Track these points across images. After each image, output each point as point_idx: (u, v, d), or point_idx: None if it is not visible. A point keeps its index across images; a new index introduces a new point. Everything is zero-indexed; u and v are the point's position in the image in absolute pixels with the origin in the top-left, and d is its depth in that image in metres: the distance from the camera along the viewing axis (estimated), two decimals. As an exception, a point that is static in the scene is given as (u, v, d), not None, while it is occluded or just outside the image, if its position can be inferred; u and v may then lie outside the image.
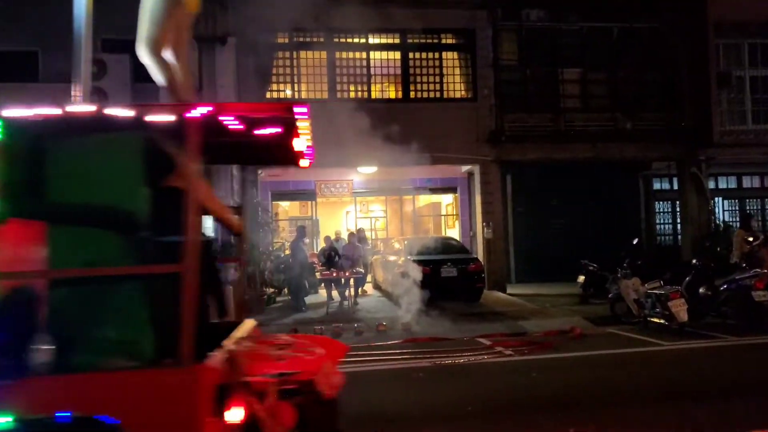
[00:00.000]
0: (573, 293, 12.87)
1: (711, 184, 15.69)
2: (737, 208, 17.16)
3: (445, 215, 18.47)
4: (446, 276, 11.74)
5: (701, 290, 9.99)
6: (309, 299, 12.71)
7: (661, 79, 15.27)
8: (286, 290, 13.50)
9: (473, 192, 15.61)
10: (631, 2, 14.82)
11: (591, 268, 12.57)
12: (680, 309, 8.94)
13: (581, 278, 12.67)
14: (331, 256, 13.28)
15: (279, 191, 16.57)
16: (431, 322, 10.29)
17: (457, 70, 15.06)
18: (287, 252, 13.81)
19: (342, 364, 7.57)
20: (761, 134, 14.73)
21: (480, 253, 14.53)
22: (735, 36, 14.88)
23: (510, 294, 13.64)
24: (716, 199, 16.55)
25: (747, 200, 17.44)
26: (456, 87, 15.06)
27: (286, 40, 14.16)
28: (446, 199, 18.13)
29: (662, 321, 9.30)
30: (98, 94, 10.67)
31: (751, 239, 10.99)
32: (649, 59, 15.08)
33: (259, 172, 13.93)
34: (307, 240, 14.11)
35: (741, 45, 14.94)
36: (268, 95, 14.11)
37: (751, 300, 9.17)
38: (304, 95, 14.43)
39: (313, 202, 17.27)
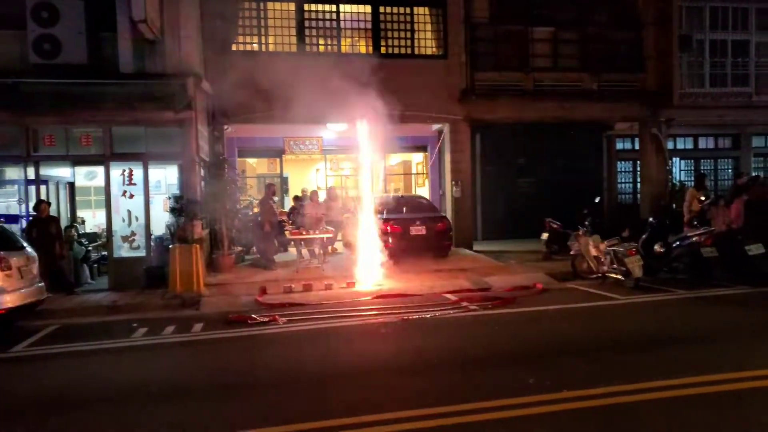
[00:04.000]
0: (537, 250, 13.29)
1: (669, 145, 16.17)
2: (693, 168, 17.80)
3: (415, 174, 18.58)
4: (415, 234, 11.97)
5: (656, 247, 10.50)
6: (279, 257, 12.79)
7: (626, 40, 15.43)
8: (254, 249, 13.52)
9: (443, 150, 15.71)
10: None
11: (554, 225, 12.97)
12: (636, 265, 9.41)
13: (545, 235, 13.08)
14: (300, 215, 13.30)
15: (246, 148, 16.33)
16: (400, 278, 10.56)
17: (429, 26, 14.87)
18: (256, 210, 13.75)
19: (310, 320, 7.82)
20: (717, 97, 15.17)
21: (449, 211, 14.77)
22: (697, -1, 15.12)
23: (476, 251, 13.99)
24: (674, 159, 17.10)
25: (702, 161, 18.09)
26: (427, 43, 14.90)
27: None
28: (416, 158, 18.19)
29: (619, 276, 9.78)
30: (50, 43, 10.20)
31: (702, 198, 11.53)
32: (616, 20, 15.19)
33: (226, 127, 13.68)
34: (276, 198, 14.06)
35: (703, 8, 15.17)
36: (234, 47, 13.71)
37: (700, 256, 9.71)
38: (271, 48, 14.07)
39: (282, 159, 17.11)
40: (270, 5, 13.95)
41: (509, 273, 11.09)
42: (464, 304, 8.62)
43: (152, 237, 10.79)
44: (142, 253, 10.78)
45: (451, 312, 8.18)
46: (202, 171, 11.93)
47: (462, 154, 14.79)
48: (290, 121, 12.99)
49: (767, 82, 15.48)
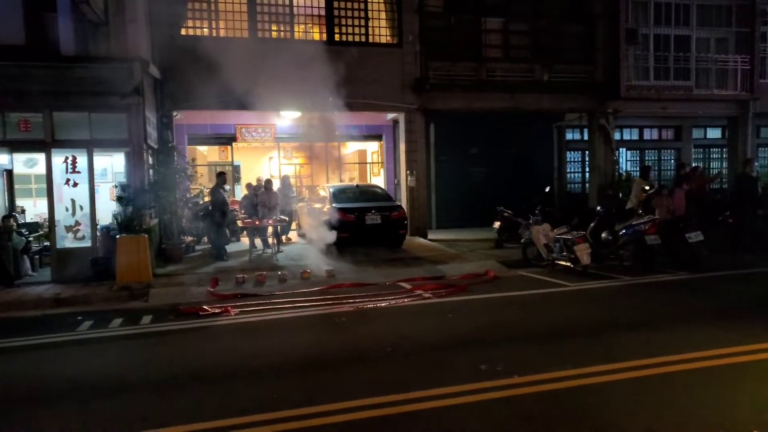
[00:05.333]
0: (489, 238, 13.54)
1: (616, 136, 16.71)
2: (638, 158, 18.48)
3: (370, 163, 18.56)
4: (371, 223, 11.97)
5: (603, 235, 10.86)
6: (231, 248, 12.56)
7: (576, 32, 15.80)
8: (205, 239, 13.24)
9: (398, 140, 15.74)
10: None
11: (506, 214, 13.23)
12: (584, 253, 9.71)
13: (497, 224, 13.33)
14: (254, 204, 13.10)
15: (196, 135, 15.93)
16: (355, 268, 10.56)
17: (383, 15, 14.80)
18: (207, 199, 13.44)
19: (263, 311, 7.73)
20: (661, 90, 15.75)
21: (403, 200, 14.84)
22: (643, -6, 15.61)
23: (431, 240, 14.13)
24: (620, 149, 17.70)
25: (647, 151, 18.80)
26: (381, 32, 14.83)
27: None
28: (372, 147, 18.17)
29: (568, 264, 10.07)
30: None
31: (647, 188, 12.00)
32: (566, 12, 15.53)
33: (175, 114, 13.28)
34: (227, 186, 13.78)
35: (648, 3, 15.67)
36: (183, 32, 13.30)
37: (644, 244, 10.11)
38: (222, 33, 13.73)
39: (233, 147, 16.77)
40: (221, -11, 13.57)
41: (463, 261, 11.25)
42: (419, 292, 8.70)
43: (98, 227, 10.40)
44: (87, 243, 10.37)
45: (406, 300, 8.24)
46: (151, 159, 11.56)
47: (417, 144, 14.85)
48: (241, 107, 12.75)
49: (706, 77, 16.17)
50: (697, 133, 19.29)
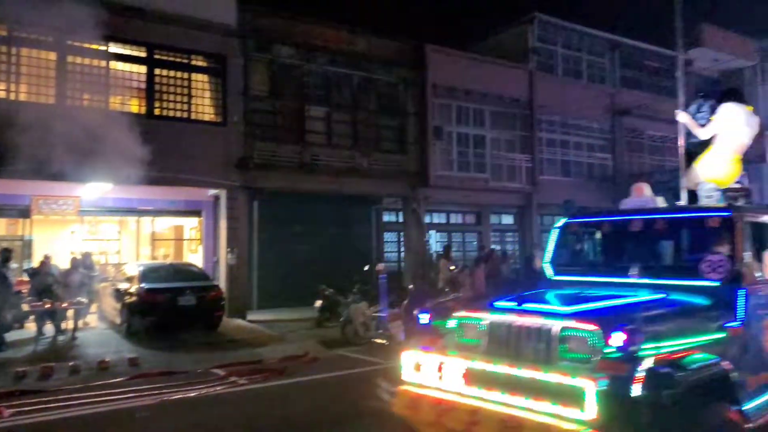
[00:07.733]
0: (311, 317, 13.56)
1: (427, 219, 18.30)
2: (446, 240, 20.34)
3: (188, 239, 17.74)
4: (184, 305, 11.29)
5: (414, 312, 11.55)
6: (13, 335, 10.84)
7: (391, 125, 17.42)
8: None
9: (219, 216, 15.38)
10: (369, 56, 16.62)
11: (327, 293, 13.46)
12: (398, 330, 10.19)
13: (318, 303, 13.47)
14: (47, 284, 11.60)
15: (-19, 206, 13.89)
16: (165, 355, 9.82)
17: (207, 93, 14.79)
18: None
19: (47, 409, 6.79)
20: (462, 180, 17.88)
21: (223, 279, 14.33)
22: (446, 97, 17.91)
23: (250, 321, 13.73)
24: (431, 231, 19.35)
25: (453, 234, 20.81)
26: (205, 110, 14.75)
27: (5, 33, 12.17)
28: (190, 223, 17.45)
29: (384, 341, 10.47)
30: None
31: (453, 267, 13.22)
32: (383, 107, 17.12)
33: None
34: (14, 265, 12.06)
35: (451, 105, 18.01)
36: (-25, 91, 11.87)
37: (450, 320, 10.96)
38: (23, 97, 12.52)
39: (28, 221, 14.88)
40: (25, 51, 12.52)
41: (282, 343, 11.11)
42: (233, 378, 8.32)
43: None
44: None
45: (218, 388, 7.82)
46: None
47: (238, 221, 14.67)
48: (40, 177, 11.56)
49: (499, 171, 18.74)
50: (494, 219, 21.89)
